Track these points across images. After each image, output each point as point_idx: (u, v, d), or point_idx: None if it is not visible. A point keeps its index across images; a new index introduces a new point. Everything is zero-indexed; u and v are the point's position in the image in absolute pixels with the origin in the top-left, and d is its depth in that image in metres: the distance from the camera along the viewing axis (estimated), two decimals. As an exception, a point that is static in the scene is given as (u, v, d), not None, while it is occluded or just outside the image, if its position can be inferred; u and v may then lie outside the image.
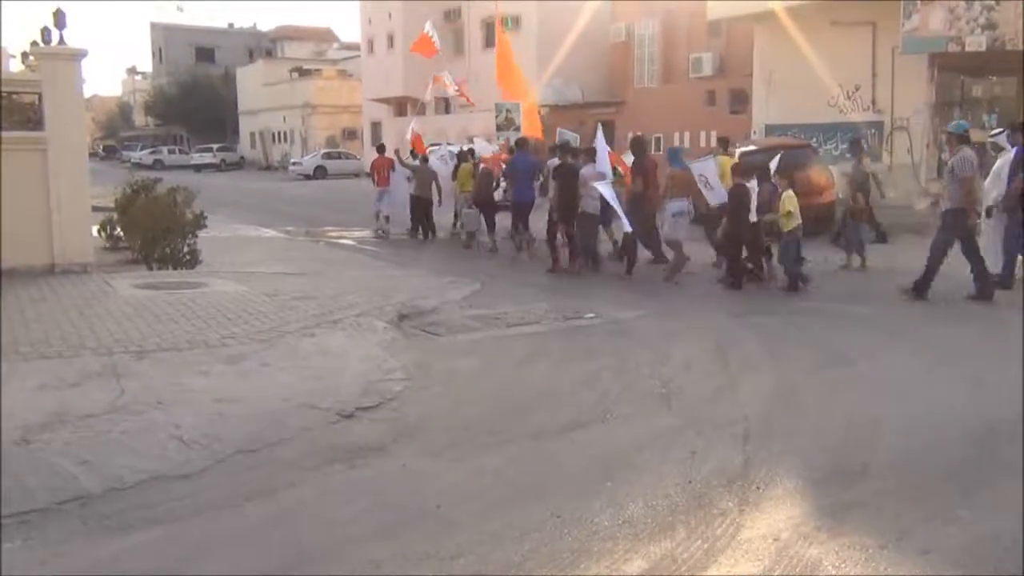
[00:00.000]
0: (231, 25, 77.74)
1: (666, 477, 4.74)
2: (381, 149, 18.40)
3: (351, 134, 50.44)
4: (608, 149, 13.23)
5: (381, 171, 17.32)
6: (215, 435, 5.21)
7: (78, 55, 10.68)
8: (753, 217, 10.96)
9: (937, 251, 9.80)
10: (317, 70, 56.39)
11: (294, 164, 46.39)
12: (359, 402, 5.91)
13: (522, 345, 7.96)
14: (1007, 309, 9.28)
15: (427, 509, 4.38)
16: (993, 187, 10.42)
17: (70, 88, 10.59)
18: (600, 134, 13.71)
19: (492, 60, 35.75)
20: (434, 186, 16.42)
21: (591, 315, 9.19)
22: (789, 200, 10.45)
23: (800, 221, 10.43)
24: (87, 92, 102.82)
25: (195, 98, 64.60)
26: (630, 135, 13.65)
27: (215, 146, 58.57)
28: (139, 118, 79.94)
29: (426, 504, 4.44)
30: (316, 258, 14.21)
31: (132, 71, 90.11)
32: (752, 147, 17.17)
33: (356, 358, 6.97)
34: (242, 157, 59.52)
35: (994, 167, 10.74)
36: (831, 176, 16.49)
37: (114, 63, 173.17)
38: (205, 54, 72.67)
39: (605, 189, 11.66)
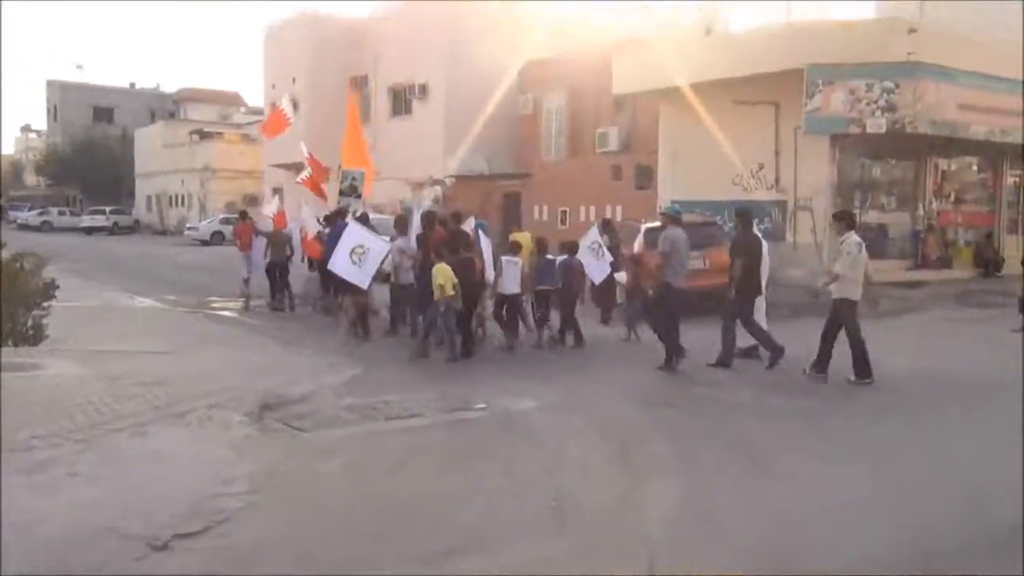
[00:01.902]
0: (132, 85, 75.49)
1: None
2: (243, 215, 18.49)
3: (252, 200, 48.87)
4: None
5: (244, 236, 17.35)
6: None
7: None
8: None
9: (667, 323, 10.32)
10: (219, 133, 54.83)
11: (190, 229, 44.52)
12: (180, 526, 4.77)
13: (398, 443, 6.93)
14: (921, 401, 8.73)
15: None
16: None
17: None
18: (415, 207, 13.46)
19: (398, 128, 35.45)
20: (288, 249, 16.47)
21: (481, 406, 8.22)
22: (440, 272, 10.66)
23: (452, 293, 10.59)
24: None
25: (90, 159, 62.07)
26: (420, 210, 14.00)
27: (107, 208, 55.99)
28: (30, 178, 76.54)
29: None
30: (188, 332, 12.91)
31: (27, 129, 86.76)
32: (657, 224, 16.72)
33: (193, 464, 5.83)
34: (137, 221, 57.10)
35: None
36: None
37: (9, 121, 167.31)
38: (103, 114, 70.19)
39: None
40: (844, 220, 9.96)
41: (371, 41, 36.18)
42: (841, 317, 9.55)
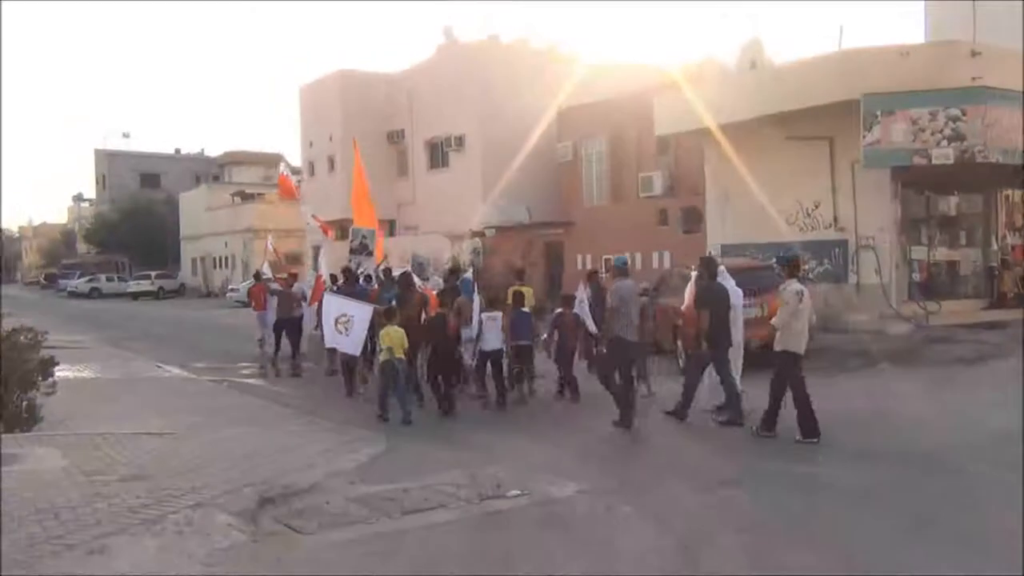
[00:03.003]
0: (178, 151, 76.62)
1: None
2: (257, 276, 18.59)
3: (295, 259, 48.56)
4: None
5: (258, 297, 17.31)
6: None
7: None
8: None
9: (603, 380, 10.19)
10: (260, 194, 54.95)
11: (231, 290, 44.20)
12: None
13: (414, 547, 5.80)
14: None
15: None
16: None
17: None
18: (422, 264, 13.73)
19: (437, 181, 34.80)
20: (296, 308, 16.22)
21: (516, 492, 7.05)
22: (385, 336, 10.65)
23: (400, 356, 10.54)
24: (35, 220, 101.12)
25: (136, 224, 62.72)
26: (398, 271, 14.00)
27: (153, 273, 56.23)
28: (82, 245, 77.77)
29: None
30: (204, 406, 11.95)
31: (78, 198, 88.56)
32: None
33: (151, 592, 4.73)
34: (182, 284, 57.18)
35: None
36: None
37: (63, 190, 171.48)
38: (150, 180, 71.23)
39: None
40: (787, 266, 9.36)
41: (406, 95, 35.79)
42: (784, 372, 8.87)
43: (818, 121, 18.13)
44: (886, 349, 15.34)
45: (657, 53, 56.50)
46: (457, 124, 32.87)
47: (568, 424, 10.57)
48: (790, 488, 7.12)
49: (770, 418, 8.92)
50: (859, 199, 18.25)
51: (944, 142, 16.29)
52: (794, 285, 9.02)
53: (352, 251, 14.89)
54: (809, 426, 8.63)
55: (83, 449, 8.16)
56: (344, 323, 11.90)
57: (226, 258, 53.77)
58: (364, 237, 14.81)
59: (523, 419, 10.91)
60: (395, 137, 36.95)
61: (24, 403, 9.59)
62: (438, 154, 34.88)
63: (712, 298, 10.13)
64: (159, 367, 17.30)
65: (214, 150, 76.97)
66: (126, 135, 77.69)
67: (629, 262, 11.75)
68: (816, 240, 18.90)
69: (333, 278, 15.63)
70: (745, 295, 14.32)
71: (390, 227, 38.74)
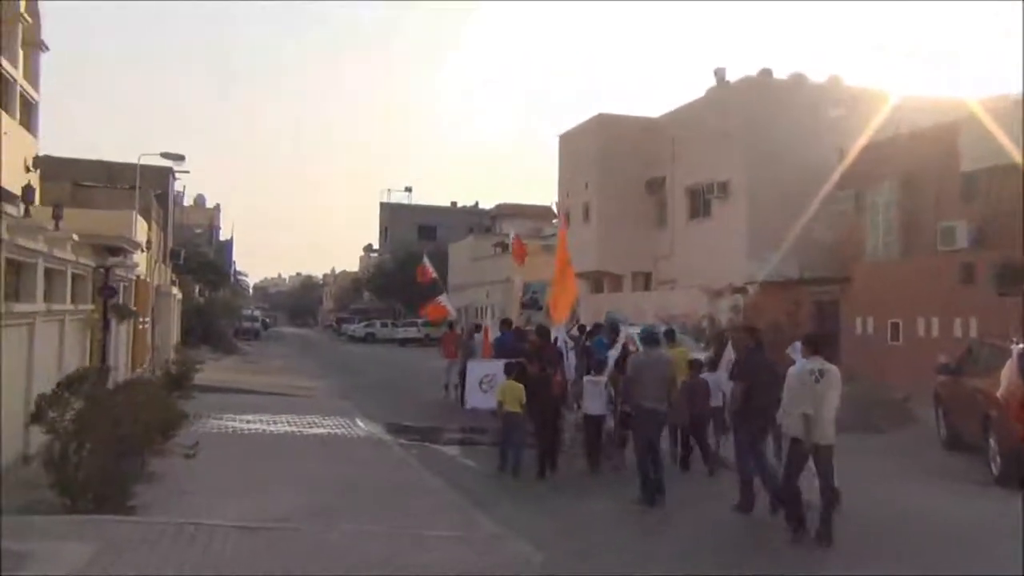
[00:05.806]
0: (454, 204, 79.49)
1: None
2: (451, 326, 20.25)
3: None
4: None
5: (449, 345, 18.62)
6: None
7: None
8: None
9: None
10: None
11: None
12: None
13: None
14: None
15: None
16: None
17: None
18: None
19: (697, 232, 31.77)
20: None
21: None
22: (507, 389, 10.92)
23: (516, 409, 10.71)
24: (337, 269, 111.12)
25: (411, 273, 65.03)
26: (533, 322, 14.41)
27: (419, 321, 57.65)
28: (366, 293, 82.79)
29: None
30: (358, 483, 9.95)
31: (368, 249, 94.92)
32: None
33: None
34: (446, 332, 58.10)
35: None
36: None
37: (361, 241, 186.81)
38: (427, 231, 74.26)
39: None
40: (809, 344, 8.27)
41: (667, 140, 33.31)
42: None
43: None
44: None
45: (962, 84, 49.64)
46: (721, 169, 29.81)
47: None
48: None
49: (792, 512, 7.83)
50: None
51: None
52: (809, 364, 7.86)
53: (523, 305, 15.47)
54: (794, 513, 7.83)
55: (127, 548, 6.25)
56: (488, 381, 12.49)
57: (487, 308, 53.79)
58: (534, 292, 15.69)
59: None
60: (654, 186, 34.51)
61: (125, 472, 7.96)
62: (699, 202, 31.94)
63: (750, 371, 8.93)
64: (358, 424, 15.76)
65: (488, 203, 79.07)
66: (408, 189, 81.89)
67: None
68: None
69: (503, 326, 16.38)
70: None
71: (646, 281, 36.17)
